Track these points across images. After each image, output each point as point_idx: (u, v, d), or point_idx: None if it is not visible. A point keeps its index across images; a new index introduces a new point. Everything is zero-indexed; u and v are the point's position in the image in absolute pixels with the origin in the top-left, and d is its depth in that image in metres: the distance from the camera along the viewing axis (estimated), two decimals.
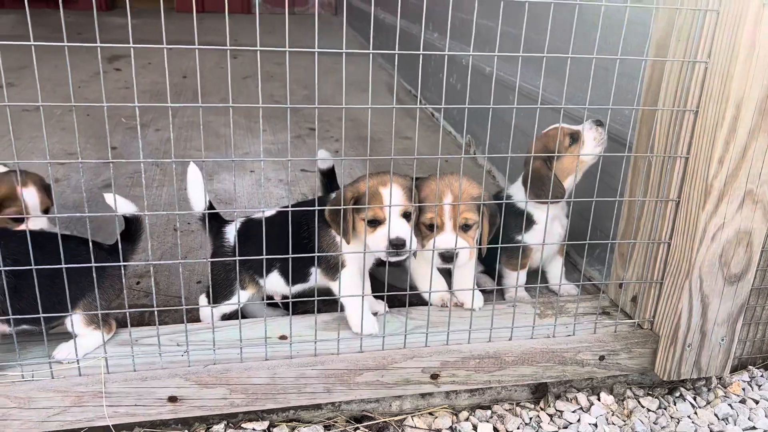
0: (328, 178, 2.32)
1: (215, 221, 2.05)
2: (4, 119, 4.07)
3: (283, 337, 1.87)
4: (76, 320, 1.72)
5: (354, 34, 7.72)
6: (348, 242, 1.84)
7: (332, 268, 1.91)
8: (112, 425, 1.68)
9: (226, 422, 1.81)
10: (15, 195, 2.02)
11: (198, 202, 1.99)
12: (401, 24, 5.80)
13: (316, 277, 1.98)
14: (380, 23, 6.71)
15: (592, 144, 2.03)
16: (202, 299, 2.07)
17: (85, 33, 7.45)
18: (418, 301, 2.11)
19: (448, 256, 1.90)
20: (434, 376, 1.84)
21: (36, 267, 1.55)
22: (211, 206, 2.04)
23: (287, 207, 1.81)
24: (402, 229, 1.81)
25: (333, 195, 1.96)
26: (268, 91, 5.23)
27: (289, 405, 1.79)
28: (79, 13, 8.23)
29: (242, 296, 1.98)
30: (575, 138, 2.04)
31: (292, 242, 1.71)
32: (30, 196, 2.05)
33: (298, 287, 2.02)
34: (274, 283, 2.00)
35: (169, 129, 4.18)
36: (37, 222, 2.04)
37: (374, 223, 1.83)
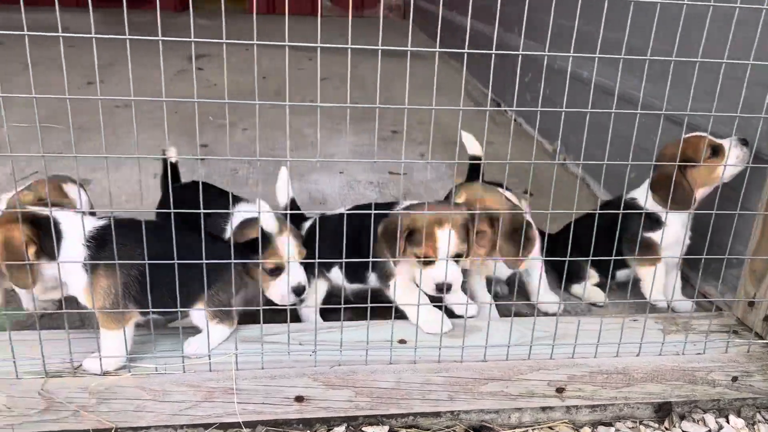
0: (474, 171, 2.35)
1: (295, 218, 2.18)
2: (97, 114, 4.18)
3: (402, 341, 1.85)
4: (200, 314, 1.74)
5: (425, 39, 7.70)
6: (395, 264, 1.90)
7: (385, 276, 1.96)
8: (240, 422, 1.68)
9: (347, 425, 1.79)
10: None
11: (282, 200, 2.21)
12: (477, 26, 5.75)
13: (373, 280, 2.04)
14: (454, 26, 6.66)
15: (733, 162, 1.94)
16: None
17: (164, 33, 7.64)
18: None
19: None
20: (560, 390, 1.78)
21: (178, 261, 1.58)
22: (293, 204, 2.23)
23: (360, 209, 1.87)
24: (451, 273, 1.83)
25: (396, 208, 1.96)
26: (344, 92, 5.25)
27: (412, 411, 1.76)
28: (154, 13, 8.46)
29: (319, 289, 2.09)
30: (716, 151, 1.96)
31: (355, 243, 1.88)
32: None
33: (357, 286, 2.11)
34: (335, 278, 2.11)
35: (255, 128, 4.23)
36: None
37: (425, 260, 1.84)
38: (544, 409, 1.86)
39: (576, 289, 2.33)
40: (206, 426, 1.69)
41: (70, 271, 1.65)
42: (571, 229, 2.16)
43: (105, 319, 1.65)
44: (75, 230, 1.64)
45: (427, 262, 1.84)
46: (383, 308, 1.88)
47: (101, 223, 1.69)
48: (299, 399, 1.68)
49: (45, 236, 1.60)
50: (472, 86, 5.80)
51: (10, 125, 3.76)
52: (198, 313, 1.75)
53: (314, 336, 1.74)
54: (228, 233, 1.96)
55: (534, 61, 4.30)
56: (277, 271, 1.88)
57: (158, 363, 1.68)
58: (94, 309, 1.65)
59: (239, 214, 1.99)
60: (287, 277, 1.85)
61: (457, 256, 1.86)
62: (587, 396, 1.80)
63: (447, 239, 1.78)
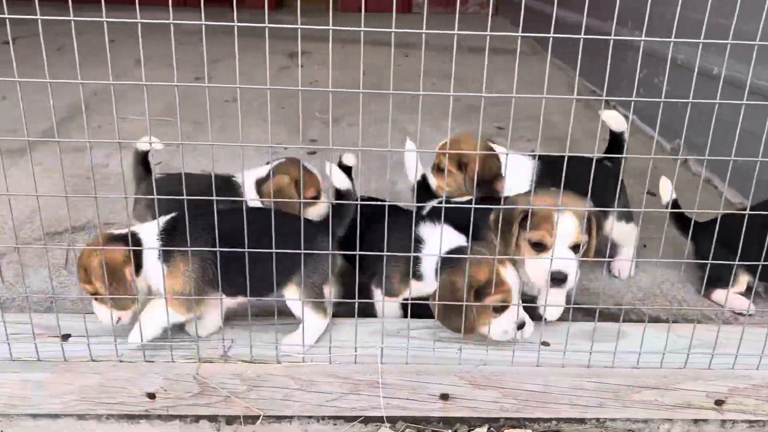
0: None
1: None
2: (203, 108, 4.30)
3: (545, 344, 1.78)
4: (295, 303, 1.73)
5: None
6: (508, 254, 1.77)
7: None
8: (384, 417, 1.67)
9: (488, 426, 1.74)
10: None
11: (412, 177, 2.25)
12: (576, 19, 5.56)
13: None
14: (550, 19, 6.48)
15: None
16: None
17: (259, 31, 7.83)
18: None
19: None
20: (719, 402, 1.67)
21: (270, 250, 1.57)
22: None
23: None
24: (567, 262, 1.71)
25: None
26: (445, 89, 5.20)
27: (558, 416, 1.69)
28: (251, 12, 8.68)
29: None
30: None
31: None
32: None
33: None
34: None
35: (360, 123, 4.25)
36: None
37: (539, 246, 1.73)
38: (696, 421, 1.75)
39: (718, 295, 2.18)
40: (349, 419, 1.68)
41: (152, 274, 1.68)
42: (717, 226, 2.01)
43: (176, 304, 1.66)
44: (149, 232, 1.68)
45: (541, 251, 1.75)
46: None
47: (171, 215, 1.72)
48: (444, 397, 1.65)
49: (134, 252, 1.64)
50: (579, 83, 5.62)
51: (128, 118, 3.92)
52: (293, 302, 1.74)
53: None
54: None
55: (651, 56, 4.11)
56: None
57: (306, 353, 1.68)
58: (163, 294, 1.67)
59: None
60: (516, 310, 1.72)
61: (576, 247, 1.76)
62: (749, 410, 1.68)
63: (566, 225, 1.70)
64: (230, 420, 1.69)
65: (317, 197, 2.18)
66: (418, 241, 1.79)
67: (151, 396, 1.62)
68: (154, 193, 1.62)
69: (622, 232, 2.27)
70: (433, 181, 2.33)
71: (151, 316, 1.67)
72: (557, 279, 1.73)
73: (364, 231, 1.61)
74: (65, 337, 1.73)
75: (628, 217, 2.29)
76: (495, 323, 1.70)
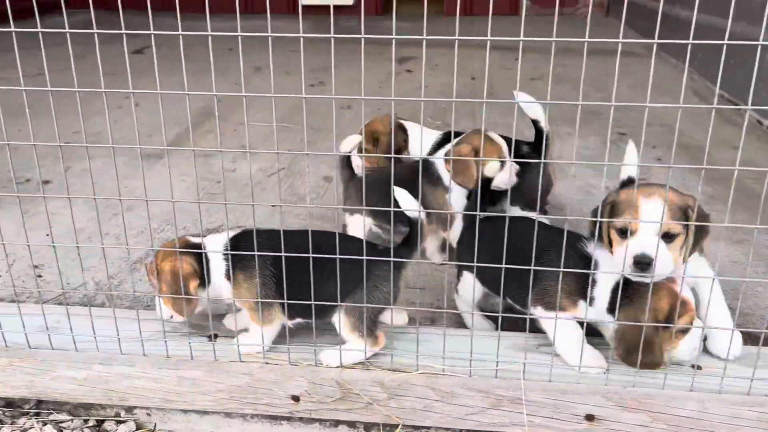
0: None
1: None
2: (324, 115, 4.39)
3: (697, 367, 1.68)
4: (343, 324, 1.70)
5: (634, 35, 7.23)
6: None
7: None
8: None
9: None
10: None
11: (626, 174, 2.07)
12: (700, 18, 5.25)
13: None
14: (670, 19, 6.16)
15: None
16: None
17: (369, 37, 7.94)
18: None
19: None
20: None
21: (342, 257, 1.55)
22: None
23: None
24: (649, 245, 1.55)
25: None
26: (559, 93, 5.06)
27: None
28: (358, 18, 8.82)
29: None
30: None
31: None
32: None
33: None
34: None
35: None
36: None
37: (625, 233, 1.61)
38: None
39: None
40: None
41: (219, 290, 1.74)
42: None
43: (253, 316, 1.72)
44: (217, 245, 1.74)
45: (626, 237, 1.62)
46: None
47: (234, 233, 1.76)
48: (590, 418, 1.59)
49: (200, 264, 1.71)
50: (699, 84, 5.31)
51: (252, 124, 4.07)
52: (338, 323, 1.72)
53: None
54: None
55: None
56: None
57: (445, 364, 1.67)
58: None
59: None
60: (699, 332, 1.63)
61: (668, 236, 1.60)
62: None
63: (651, 210, 1.58)
64: (368, 426, 1.70)
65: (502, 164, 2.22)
66: (586, 259, 1.68)
67: (296, 398, 1.66)
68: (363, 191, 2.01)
69: None
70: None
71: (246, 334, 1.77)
72: (641, 263, 1.56)
73: (513, 245, 1.58)
74: (214, 336, 1.81)
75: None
76: (682, 344, 1.61)
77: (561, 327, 1.66)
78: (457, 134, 2.43)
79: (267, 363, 1.70)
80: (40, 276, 2.34)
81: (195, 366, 1.69)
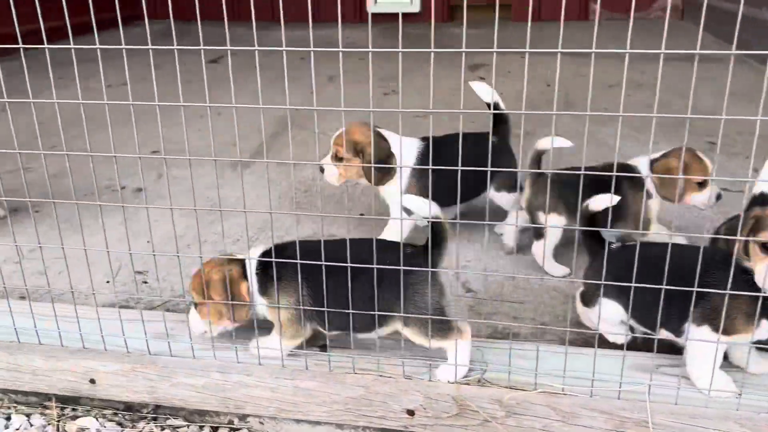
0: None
1: None
2: (397, 123, 4.41)
3: None
4: (412, 334, 1.70)
5: (713, 40, 6.98)
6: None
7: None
8: None
9: None
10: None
11: None
12: None
13: None
14: (751, 22, 5.91)
15: None
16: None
17: (438, 44, 7.94)
18: None
19: None
20: None
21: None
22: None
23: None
24: None
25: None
26: (639, 100, 4.93)
27: None
28: (425, 25, 8.83)
29: None
30: None
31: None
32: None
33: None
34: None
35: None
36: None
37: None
38: None
39: None
40: None
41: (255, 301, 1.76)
42: None
43: (284, 332, 1.74)
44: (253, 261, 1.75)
45: None
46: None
47: (260, 250, 1.78)
48: None
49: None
50: None
51: (327, 133, 4.11)
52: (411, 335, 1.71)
53: (741, 377, 1.56)
54: None
55: None
56: None
57: (565, 383, 1.64)
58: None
59: None
60: None
61: None
62: None
63: None
64: None
65: (704, 184, 2.31)
66: (750, 277, 1.58)
67: (411, 413, 1.65)
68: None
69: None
70: (332, 171, 2.49)
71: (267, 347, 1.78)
72: None
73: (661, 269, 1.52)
74: (323, 347, 1.82)
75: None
76: None
77: (705, 349, 1.59)
78: (435, 140, 2.46)
79: (381, 375, 1.70)
80: (145, 282, 2.41)
81: (310, 376, 1.70)
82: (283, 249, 1.74)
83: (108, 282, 2.36)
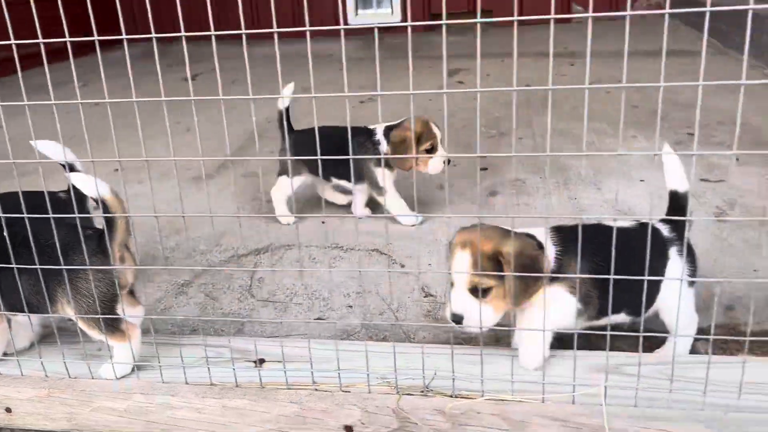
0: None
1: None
2: None
3: None
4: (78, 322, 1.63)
5: (698, 35, 6.88)
6: None
7: None
8: None
9: None
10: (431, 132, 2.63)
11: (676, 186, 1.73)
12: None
13: None
14: (730, 14, 5.81)
15: None
16: None
17: (415, 52, 7.85)
18: None
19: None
20: None
21: None
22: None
23: None
24: (465, 304, 1.53)
25: None
26: (617, 96, 4.81)
27: None
28: (406, 35, 8.76)
29: None
30: None
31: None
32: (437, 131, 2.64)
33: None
34: None
35: (533, 138, 4.02)
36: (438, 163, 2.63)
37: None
38: None
39: None
40: None
41: None
42: None
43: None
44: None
45: None
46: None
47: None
48: None
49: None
50: None
51: None
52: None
53: (705, 373, 1.41)
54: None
55: None
56: None
57: (514, 388, 1.49)
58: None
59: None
60: None
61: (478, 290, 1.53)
62: None
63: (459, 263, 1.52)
64: None
65: (432, 150, 2.61)
66: None
67: (349, 429, 1.51)
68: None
69: None
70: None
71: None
72: (456, 321, 1.56)
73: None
74: (260, 361, 1.68)
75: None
76: None
77: None
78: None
79: (316, 389, 1.56)
80: None
81: (240, 394, 1.56)
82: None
83: None
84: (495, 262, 1.50)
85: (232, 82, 6.58)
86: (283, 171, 2.83)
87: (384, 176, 2.71)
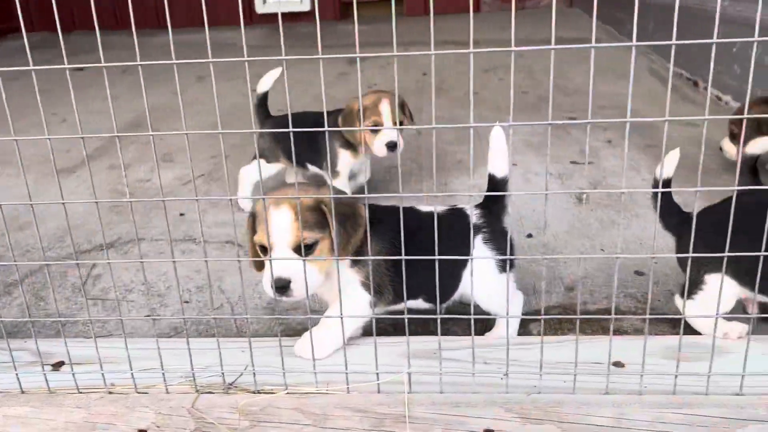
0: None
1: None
2: None
3: (618, 364, 1.43)
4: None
5: (600, 25, 7.04)
6: None
7: None
8: None
9: None
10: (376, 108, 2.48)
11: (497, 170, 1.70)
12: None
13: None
14: (629, 3, 5.96)
15: None
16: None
17: (325, 41, 7.72)
18: None
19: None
20: None
21: None
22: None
23: None
24: (288, 267, 1.42)
25: None
26: (508, 83, 4.84)
27: None
28: (315, 24, 8.61)
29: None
30: None
31: None
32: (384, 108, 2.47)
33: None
34: None
35: (422, 124, 3.97)
36: (392, 134, 2.47)
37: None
38: None
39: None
40: None
41: None
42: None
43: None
44: None
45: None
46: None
47: None
48: None
49: None
50: (659, 65, 5.11)
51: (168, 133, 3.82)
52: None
53: (506, 354, 1.37)
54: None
55: (748, 26, 3.59)
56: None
57: (319, 380, 1.41)
58: None
59: None
60: None
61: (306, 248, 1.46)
62: None
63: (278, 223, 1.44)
64: None
65: (377, 132, 2.47)
66: None
67: None
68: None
69: None
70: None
71: None
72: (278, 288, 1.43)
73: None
74: (58, 365, 1.54)
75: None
76: None
77: None
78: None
79: (110, 392, 1.43)
80: None
81: (24, 401, 1.42)
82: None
83: None
84: (318, 212, 1.43)
85: (123, 71, 6.30)
86: (261, 155, 2.69)
87: (341, 158, 2.61)
